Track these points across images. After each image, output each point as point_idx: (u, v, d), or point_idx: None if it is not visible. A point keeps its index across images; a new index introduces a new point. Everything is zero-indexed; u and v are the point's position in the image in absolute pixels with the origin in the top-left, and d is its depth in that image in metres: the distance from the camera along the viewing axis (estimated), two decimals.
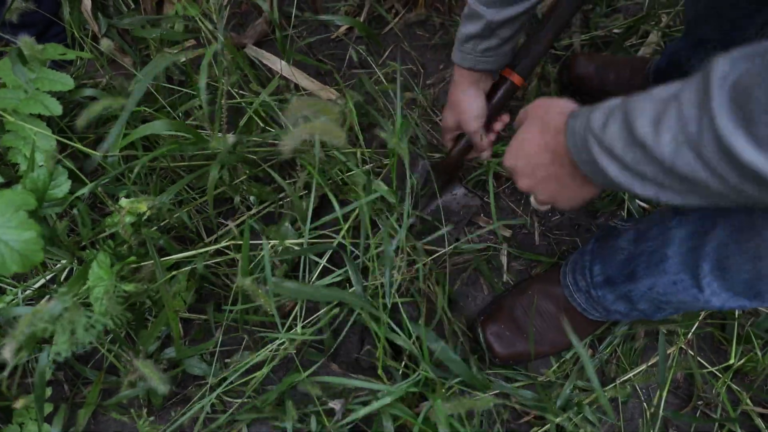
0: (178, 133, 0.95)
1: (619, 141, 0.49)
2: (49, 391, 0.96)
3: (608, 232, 0.90)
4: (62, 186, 0.86)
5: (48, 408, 0.93)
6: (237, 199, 1.06)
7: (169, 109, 1.00)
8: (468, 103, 0.90)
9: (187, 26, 1.26)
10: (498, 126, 0.96)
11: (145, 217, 0.84)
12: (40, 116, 0.86)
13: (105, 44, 0.92)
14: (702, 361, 0.99)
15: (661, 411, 0.92)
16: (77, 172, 0.91)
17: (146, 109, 0.97)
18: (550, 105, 0.66)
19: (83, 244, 1.03)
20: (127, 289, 0.80)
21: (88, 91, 0.98)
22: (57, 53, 0.88)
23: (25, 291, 0.99)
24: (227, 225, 1.06)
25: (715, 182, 0.42)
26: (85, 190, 0.87)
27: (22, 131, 0.86)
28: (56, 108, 0.85)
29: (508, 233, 1.09)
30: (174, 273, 0.87)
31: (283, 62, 1.15)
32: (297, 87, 1.19)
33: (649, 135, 0.45)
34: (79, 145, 0.85)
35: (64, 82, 0.86)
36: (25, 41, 0.83)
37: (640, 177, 0.49)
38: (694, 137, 0.42)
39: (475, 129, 0.91)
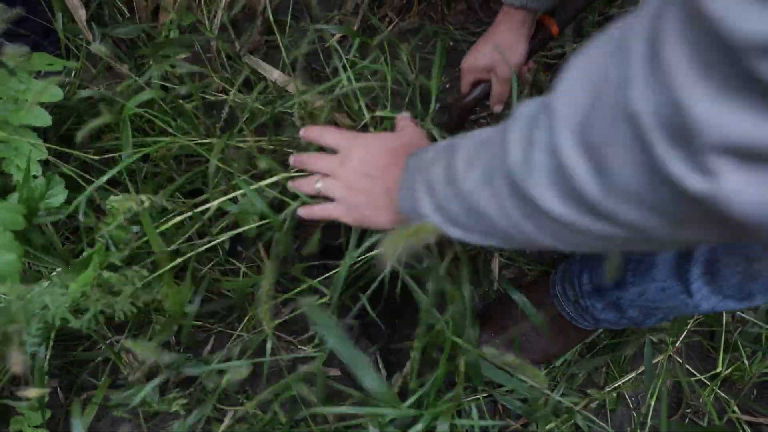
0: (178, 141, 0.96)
1: (440, 180, 0.51)
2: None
3: None
4: (58, 195, 0.87)
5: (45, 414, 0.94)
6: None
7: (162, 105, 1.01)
8: (516, 45, 0.87)
9: (183, 34, 1.27)
10: (524, 70, 0.93)
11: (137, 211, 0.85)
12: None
13: (99, 48, 0.93)
14: (690, 369, 1.00)
15: (649, 419, 0.94)
16: (75, 177, 0.93)
17: (148, 111, 0.99)
18: (418, 137, 0.72)
19: (78, 250, 1.05)
20: (112, 280, 0.81)
21: (85, 92, 0.99)
22: (44, 63, 0.88)
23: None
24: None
25: (503, 219, 0.46)
26: (81, 198, 0.88)
27: (14, 142, 0.86)
28: (46, 119, 0.85)
29: None
30: (173, 265, 0.88)
31: (276, 71, 1.16)
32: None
33: (460, 171, 0.48)
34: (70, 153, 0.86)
35: (53, 93, 0.86)
36: (11, 53, 0.83)
37: (450, 217, 0.51)
38: (491, 175, 0.45)
39: (509, 75, 0.88)
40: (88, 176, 1.02)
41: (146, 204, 0.73)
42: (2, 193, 0.94)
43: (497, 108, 0.96)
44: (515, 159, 0.41)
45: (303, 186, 0.73)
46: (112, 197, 0.78)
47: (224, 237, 1.01)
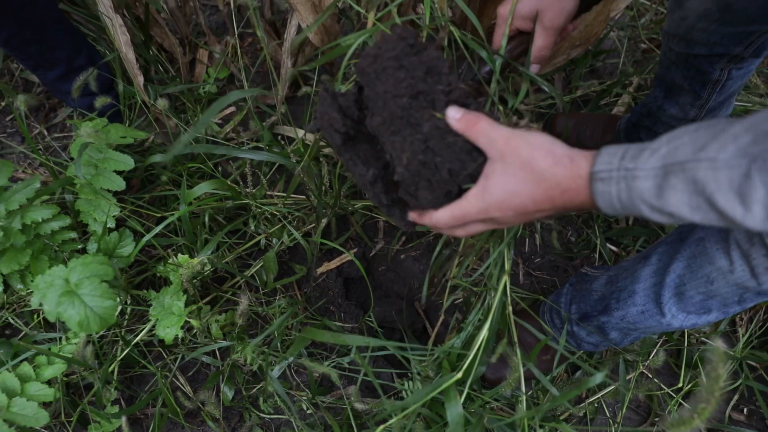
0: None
1: (686, 208, 0.47)
2: (115, 409, 1.15)
3: (581, 278, 1.09)
4: (128, 246, 1.05)
5: (116, 423, 1.12)
6: (263, 241, 1.25)
7: (212, 169, 1.19)
8: None
9: (220, 87, 1.43)
10: (569, 29, 0.82)
11: (202, 269, 1.02)
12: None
13: (161, 104, 1.11)
14: (660, 383, 1.18)
15: (620, 427, 1.11)
16: (141, 230, 1.10)
17: (200, 166, 1.16)
18: (531, 152, 0.56)
19: (136, 283, 1.23)
20: (194, 323, 1.00)
21: (154, 158, 1.17)
22: (119, 135, 1.05)
23: None
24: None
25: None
26: (143, 241, 1.06)
27: (93, 200, 1.04)
28: (120, 184, 1.03)
29: None
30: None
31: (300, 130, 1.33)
32: None
33: (738, 211, 0.44)
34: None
35: (126, 162, 1.04)
36: (87, 130, 1.00)
37: (700, 223, 0.49)
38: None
39: (560, 25, 0.76)
40: (144, 221, 1.21)
41: (207, 266, 0.91)
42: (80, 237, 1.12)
43: (534, 68, 0.82)
44: None
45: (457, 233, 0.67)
46: (180, 256, 0.96)
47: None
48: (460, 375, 0.73)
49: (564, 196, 0.56)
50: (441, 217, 0.64)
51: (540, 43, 0.78)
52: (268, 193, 1.19)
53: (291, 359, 0.98)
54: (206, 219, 1.09)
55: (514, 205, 0.59)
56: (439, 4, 0.80)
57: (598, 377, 0.95)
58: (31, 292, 1.12)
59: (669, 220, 0.50)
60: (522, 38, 0.79)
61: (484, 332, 0.74)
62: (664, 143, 0.49)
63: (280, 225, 1.13)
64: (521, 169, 0.57)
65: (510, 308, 0.78)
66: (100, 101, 0.99)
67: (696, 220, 0.48)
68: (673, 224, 0.52)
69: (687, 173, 0.46)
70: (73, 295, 0.88)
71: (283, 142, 1.36)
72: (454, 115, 0.61)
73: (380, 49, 0.62)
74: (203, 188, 0.99)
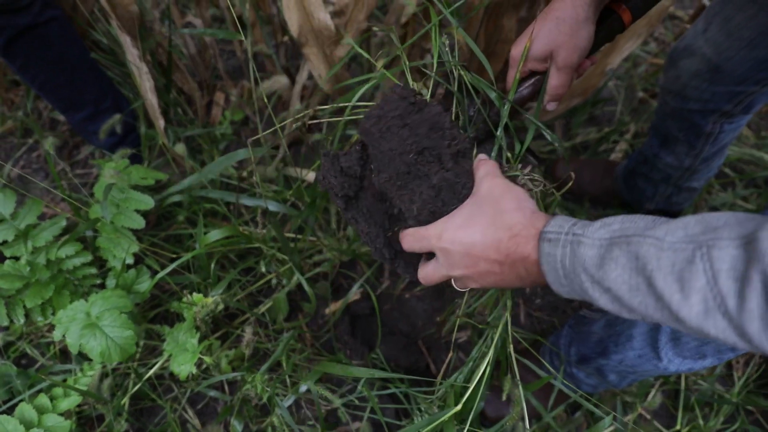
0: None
1: (624, 286, 0.46)
2: None
3: (580, 320, 1.13)
4: (144, 283, 1.09)
5: None
6: (274, 280, 1.30)
7: (226, 210, 1.24)
8: (584, 24, 0.71)
9: (235, 129, 1.50)
10: (586, 65, 0.79)
11: (215, 308, 1.07)
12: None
13: (181, 149, 1.17)
14: (658, 425, 1.20)
15: None
16: (156, 267, 1.15)
17: (214, 206, 1.21)
18: (504, 193, 0.59)
19: (150, 317, 1.27)
20: (206, 360, 1.04)
21: (174, 198, 1.23)
22: (140, 176, 1.11)
23: None
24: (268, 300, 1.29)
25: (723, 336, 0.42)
26: (158, 278, 1.11)
27: (114, 238, 1.09)
28: (140, 222, 1.08)
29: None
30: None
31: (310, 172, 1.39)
32: None
33: (675, 298, 0.42)
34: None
35: (146, 202, 1.09)
36: (110, 172, 1.06)
37: (638, 312, 0.47)
38: (733, 312, 0.39)
39: (574, 63, 0.73)
40: (158, 258, 1.26)
41: (221, 305, 0.96)
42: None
43: (550, 106, 0.80)
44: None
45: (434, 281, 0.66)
46: (195, 295, 1.00)
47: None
48: (459, 408, 0.77)
49: (510, 242, 0.55)
50: (406, 232, 0.65)
51: (555, 83, 0.75)
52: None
53: (304, 389, 1.01)
54: (219, 258, 1.13)
55: (464, 236, 0.58)
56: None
57: (607, 421, 0.98)
58: (50, 324, 1.17)
59: (608, 300, 0.49)
60: (536, 79, 0.77)
61: (483, 365, 0.77)
62: (618, 221, 0.50)
63: (289, 266, 1.17)
64: (487, 203, 0.59)
65: (511, 346, 0.82)
66: (124, 152, 1.06)
67: (634, 305, 0.46)
68: (613, 311, 0.50)
69: (631, 246, 0.45)
70: (94, 328, 0.93)
71: (293, 185, 1.41)
72: (481, 157, 0.66)
73: (383, 109, 0.63)
74: (217, 234, 1.04)
